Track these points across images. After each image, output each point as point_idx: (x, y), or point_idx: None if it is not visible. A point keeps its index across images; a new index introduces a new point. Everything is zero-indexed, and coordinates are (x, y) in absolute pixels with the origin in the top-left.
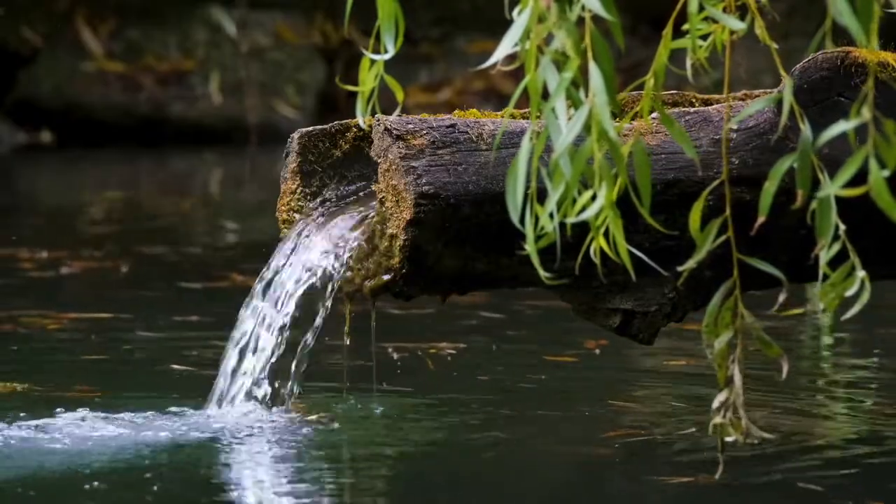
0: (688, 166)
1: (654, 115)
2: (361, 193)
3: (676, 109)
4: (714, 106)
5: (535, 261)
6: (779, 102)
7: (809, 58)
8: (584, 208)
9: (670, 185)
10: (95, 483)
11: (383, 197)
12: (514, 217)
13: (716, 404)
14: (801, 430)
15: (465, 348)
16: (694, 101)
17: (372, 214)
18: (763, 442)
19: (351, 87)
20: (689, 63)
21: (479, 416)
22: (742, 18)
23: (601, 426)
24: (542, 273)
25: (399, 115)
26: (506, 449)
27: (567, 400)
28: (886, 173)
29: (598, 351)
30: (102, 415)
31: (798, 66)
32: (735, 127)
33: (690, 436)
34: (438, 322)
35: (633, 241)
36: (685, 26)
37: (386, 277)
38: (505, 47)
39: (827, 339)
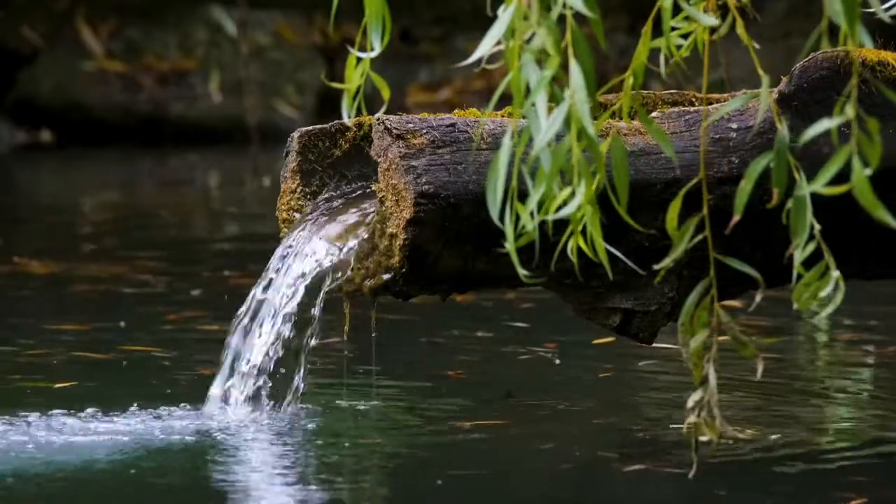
0: (688, 165)
1: (655, 114)
2: (361, 193)
3: (676, 109)
4: (714, 105)
5: (515, 259)
6: (778, 101)
7: (810, 57)
8: (563, 205)
9: (671, 185)
10: (95, 482)
11: (383, 196)
12: (494, 215)
13: (690, 404)
14: (794, 429)
15: (479, 346)
16: (694, 100)
17: (371, 214)
18: (743, 441)
19: (338, 85)
20: (661, 61)
21: (486, 415)
22: (723, 18)
23: (612, 424)
24: (521, 271)
25: (399, 115)
26: (508, 447)
27: (579, 396)
28: (869, 172)
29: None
30: (104, 414)
31: (798, 65)
32: (735, 126)
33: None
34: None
35: (633, 240)
36: (672, 22)
37: (386, 277)
38: (487, 44)
39: (822, 337)
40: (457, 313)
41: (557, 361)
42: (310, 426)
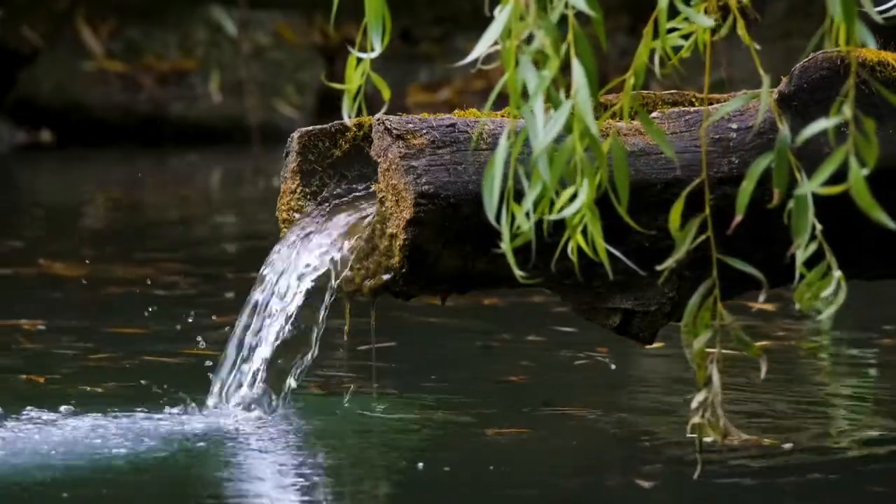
0: (689, 165)
1: (655, 114)
2: (361, 193)
3: (677, 109)
4: (714, 105)
5: (511, 260)
6: (778, 101)
7: (810, 57)
8: (565, 206)
9: (671, 185)
10: (94, 481)
11: (383, 196)
12: (491, 216)
13: (694, 404)
14: (802, 431)
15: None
16: (694, 100)
17: (371, 214)
18: (748, 443)
19: (337, 86)
20: (656, 62)
21: (486, 414)
22: (724, 19)
23: (631, 432)
24: (518, 272)
25: (398, 115)
26: (517, 454)
27: (616, 404)
28: (866, 172)
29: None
30: (104, 413)
31: (798, 65)
32: (735, 126)
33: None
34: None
35: (634, 240)
36: (672, 23)
37: (386, 277)
38: (483, 45)
39: (825, 338)
40: (498, 318)
41: (613, 366)
42: (325, 428)
